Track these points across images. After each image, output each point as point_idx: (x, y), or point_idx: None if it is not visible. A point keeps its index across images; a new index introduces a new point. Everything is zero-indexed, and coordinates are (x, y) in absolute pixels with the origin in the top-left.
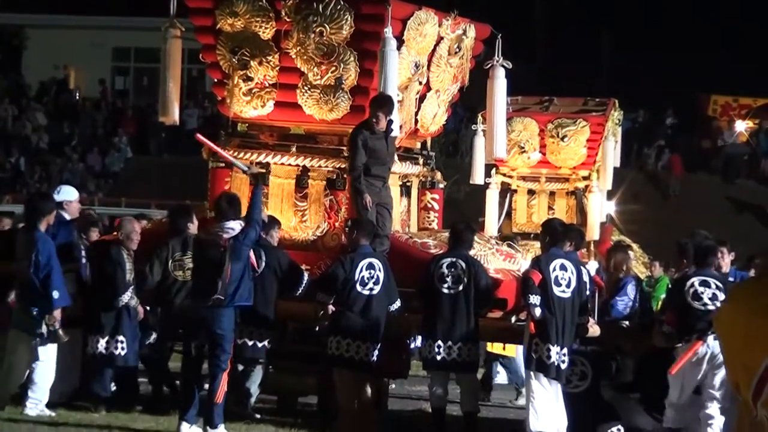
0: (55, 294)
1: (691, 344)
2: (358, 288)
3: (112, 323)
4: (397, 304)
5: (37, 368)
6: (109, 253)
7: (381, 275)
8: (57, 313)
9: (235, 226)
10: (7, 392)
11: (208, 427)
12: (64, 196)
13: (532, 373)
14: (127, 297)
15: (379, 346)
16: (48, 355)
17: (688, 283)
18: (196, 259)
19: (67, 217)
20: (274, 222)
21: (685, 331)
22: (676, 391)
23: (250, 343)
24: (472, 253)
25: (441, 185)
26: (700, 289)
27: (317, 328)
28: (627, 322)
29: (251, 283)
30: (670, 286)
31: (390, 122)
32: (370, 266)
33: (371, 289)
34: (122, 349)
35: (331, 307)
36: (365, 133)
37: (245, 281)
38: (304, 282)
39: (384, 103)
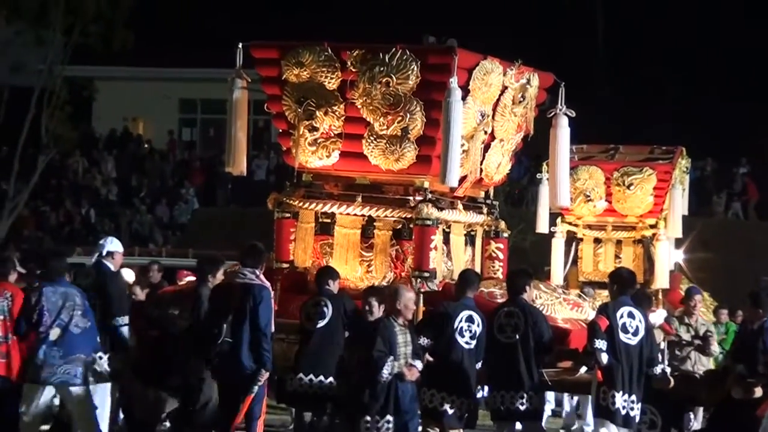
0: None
1: None
2: (457, 338)
3: (379, 400)
4: (480, 363)
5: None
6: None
7: (479, 331)
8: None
9: (247, 272)
10: None
11: None
12: (112, 247)
13: (599, 421)
14: (388, 370)
15: (470, 401)
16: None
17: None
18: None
19: (112, 268)
20: (332, 273)
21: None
22: None
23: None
24: (538, 303)
25: (505, 234)
26: None
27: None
28: (701, 372)
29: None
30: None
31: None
32: (470, 319)
33: (468, 343)
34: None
35: (428, 357)
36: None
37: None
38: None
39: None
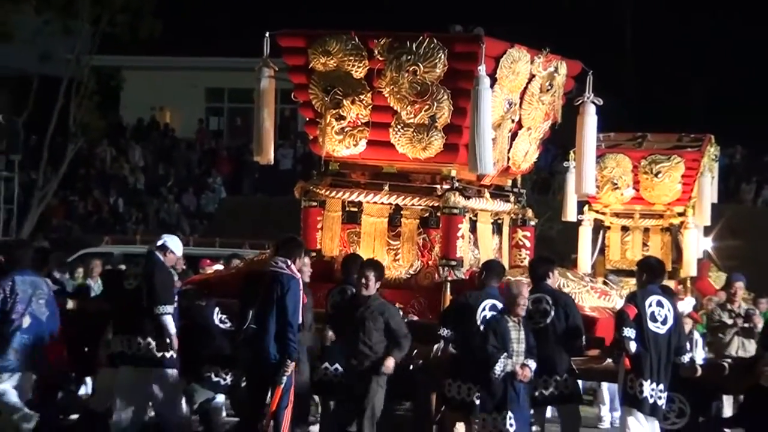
0: None
1: None
2: (480, 326)
3: (496, 397)
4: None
5: None
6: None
7: None
8: None
9: (278, 261)
10: None
11: None
12: (170, 244)
13: (626, 409)
14: (500, 367)
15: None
16: None
17: None
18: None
19: (162, 260)
20: (358, 261)
21: None
22: None
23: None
24: (566, 290)
25: (532, 222)
26: None
27: (411, 366)
28: (729, 360)
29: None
30: None
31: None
32: (494, 308)
33: None
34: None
35: (452, 350)
36: None
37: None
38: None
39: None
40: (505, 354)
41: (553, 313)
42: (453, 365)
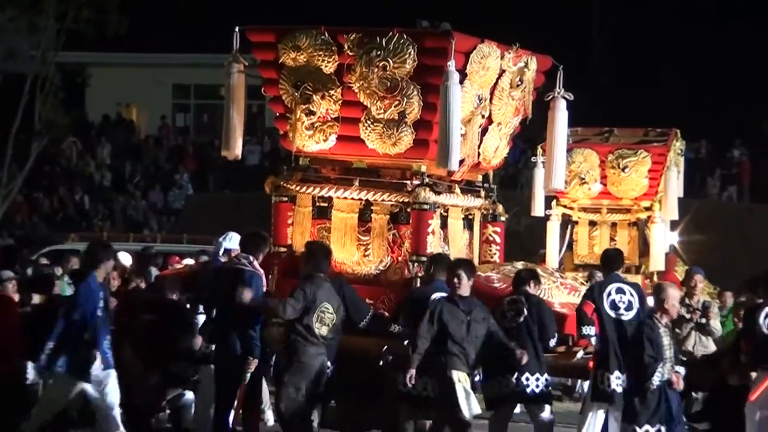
0: None
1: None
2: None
3: (650, 408)
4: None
5: None
6: (641, 328)
7: None
8: None
9: (241, 258)
10: None
11: None
12: (231, 244)
13: (596, 404)
14: (659, 378)
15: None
16: None
17: (763, 313)
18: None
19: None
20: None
21: (760, 360)
22: (752, 424)
23: None
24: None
25: (503, 218)
26: None
27: (381, 363)
28: (700, 354)
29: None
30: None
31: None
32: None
33: None
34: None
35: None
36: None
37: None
38: (368, 315)
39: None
40: (662, 363)
41: (526, 312)
42: (406, 359)
